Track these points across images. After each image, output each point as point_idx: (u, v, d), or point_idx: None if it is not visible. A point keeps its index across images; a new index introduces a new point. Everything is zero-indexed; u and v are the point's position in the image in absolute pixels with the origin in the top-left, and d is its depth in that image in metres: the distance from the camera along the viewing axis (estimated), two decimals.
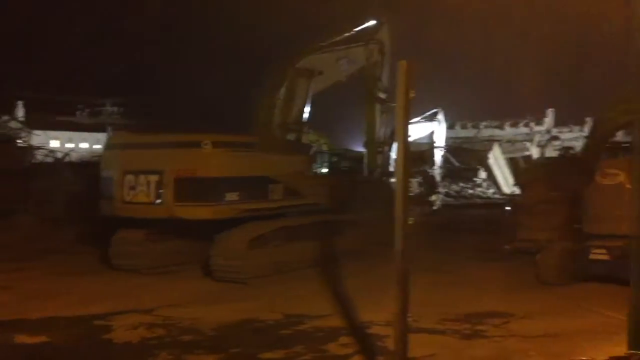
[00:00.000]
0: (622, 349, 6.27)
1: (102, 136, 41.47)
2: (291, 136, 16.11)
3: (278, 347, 8.15)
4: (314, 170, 16.52)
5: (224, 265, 12.44)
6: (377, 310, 8.96)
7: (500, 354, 7.91)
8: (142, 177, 12.99)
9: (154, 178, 12.81)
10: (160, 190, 12.71)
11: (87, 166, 22.94)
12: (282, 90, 16.04)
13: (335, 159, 18.60)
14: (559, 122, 39.04)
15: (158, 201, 12.77)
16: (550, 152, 35.03)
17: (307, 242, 13.99)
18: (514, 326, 9.19)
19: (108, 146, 15.08)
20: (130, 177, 13.14)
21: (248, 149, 13.66)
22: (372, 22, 18.61)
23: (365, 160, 19.04)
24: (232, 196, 12.98)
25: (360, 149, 20.36)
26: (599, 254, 11.92)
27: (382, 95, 18.70)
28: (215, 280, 12.51)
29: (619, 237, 10.65)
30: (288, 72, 16.24)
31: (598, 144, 14.40)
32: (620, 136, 16.39)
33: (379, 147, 18.95)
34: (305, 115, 16.62)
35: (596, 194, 12.34)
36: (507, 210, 19.42)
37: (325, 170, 17.70)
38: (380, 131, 18.95)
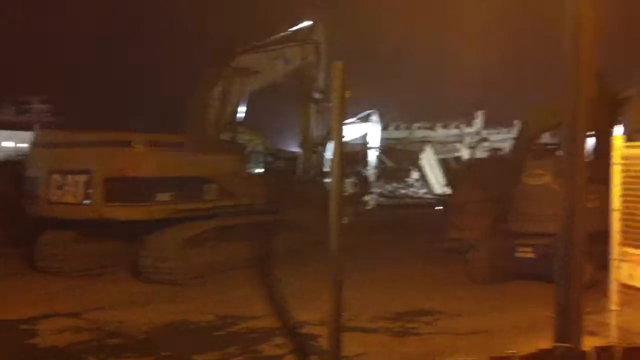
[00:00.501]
0: (548, 343, 6.48)
1: (28, 135, 39.90)
2: (225, 136, 15.93)
3: (211, 349, 8.04)
4: (249, 171, 16.39)
5: (154, 266, 12.19)
6: (311, 310, 8.98)
7: (431, 351, 8.04)
8: (69, 177, 12.56)
9: (82, 178, 12.41)
10: (89, 191, 12.32)
11: (12, 165, 22.00)
12: (217, 90, 15.85)
13: (270, 159, 18.49)
14: (488, 124, 40.08)
15: (86, 202, 12.38)
16: (480, 153, 35.91)
17: (241, 243, 13.87)
18: (445, 323, 9.38)
19: (34, 144, 14.49)
20: (56, 177, 12.69)
21: (180, 148, 13.42)
22: (307, 23, 18.64)
23: (300, 161, 19.03)
24: (164, 197, 12.73)
25: (296, 149, 20.35)
26: (525, 252, 12.30)
27: (317, 96, 18.75)
28: (145, 281, 12.23)
29: (544, 235, 11.04)
30: (223, 72, 16.06)
31: (525, 145, 14.87)
32: (546, 138, 17.00)
33: (314, 148, 18.98)
34: (240, 115, 16.48)
35: (523, 194, 12.73)
36: (439, 210, 19.80)
37: (260, 170, 17.59)
38: (316, 131, 18.99)
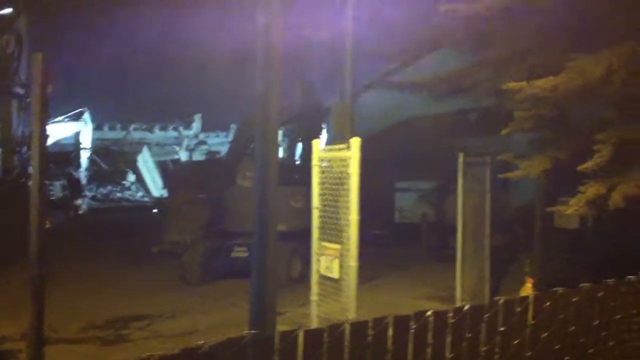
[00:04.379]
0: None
1: None
2: None
3: None
4: None
5: None
6: (10, 323, 8.15)
7: None
8: None
9: None
10: None
11: None
12: None
13: None
14: (206, 128, 40.69)
15: None
16: (198, 156, 36.31)
17: None
18: (159, 327, 9.26)
19: None
20: None
21: None
22: (7, 10, 16.95)
23: (0, 161, 17.23)
24: None
25: None
26: (240, 252, 12.74)
27: (19, 91, 17.14)
28: None
29: None
30: None
31: (241, 148, 15.44)
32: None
33: (16, 147, 17.32)
34: None
35: (237, 195, 13.20)
36: (156, 212, 19.53)
37: None
38: (18, 130, 17.35)
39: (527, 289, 9.16)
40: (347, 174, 5.82)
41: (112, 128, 38.07)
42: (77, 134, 25.56)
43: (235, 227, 13.12)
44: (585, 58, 7.80)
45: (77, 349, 8.09)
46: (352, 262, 5.79)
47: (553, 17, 8.59)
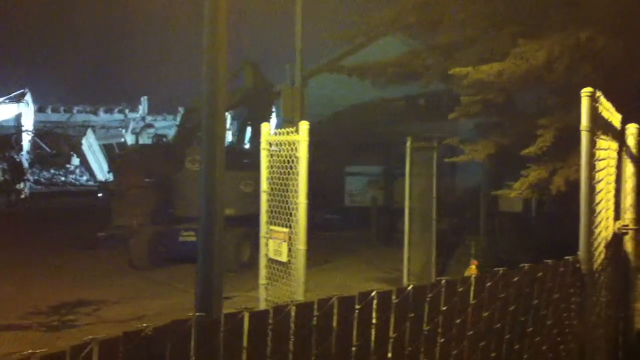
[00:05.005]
0: None
1: None
2: None
3: None
4: None
5: None
6: None
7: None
8: None
9: None
10: None
11: None
12: None
13: None
14: (153, 110, 40.01)
15: None
16: (145, 140, 35.69)
17: None
18: (106, 313, 9.14)
19: None
20: None
21: None
22: None
23: None
24: None
25: None
26: (189, 236, 12.62)
27: None
28: None
29: None
30: None
31: (189, 132, 15.22)
32: None
33: None
34: None
35: (185, 179, 13.05)
36: (101, 197, 19.14)
37: None
38: None
39: (472, 271, 9.38)
40: (296, 157, 5.82)
41: (55, 110, 37.07)
42: (19, 116, 24.78)
43: (184, 211, 13.00)
44: (529, 44, 7.98)
45: (20, 336, 7.91)
46: (301, 245, 5.80)
47: (503, 3, 8.75)
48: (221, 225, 5.78)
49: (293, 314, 2.24)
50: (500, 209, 13.82)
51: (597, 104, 3.85)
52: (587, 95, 3.61)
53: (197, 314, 1.97)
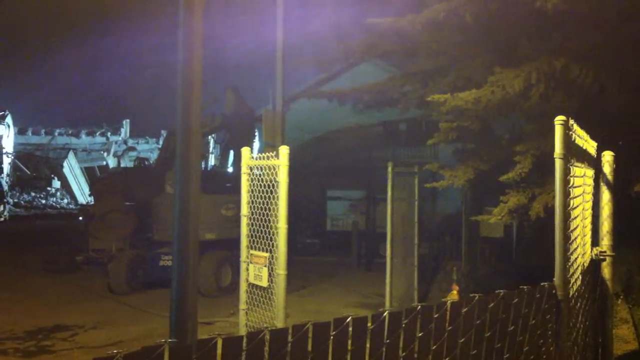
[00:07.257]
0: None
1: None
2: None
3: None
4: None
5: None
6: None
7: None
8: None
9: None
10: None
11: None
12: None
13: None
14: (136, 133, 39.86)
15: None
16: (127, 163, 35.50)
17: None
18: (82, 338, 9.01)
19: None
20: None
21: None
22: None
23: None
24: None
25: None
26: (168, 260, 12.51)
27: None
28: None
29: None
30: None
31: (170, 156, 15.17)
32: None
33: None
34: None
35: (165, 203, 12.96)
36: (80, 220, 18.95)
37: None
38: None
39: (453, 296, 9.39)
40: (277, 181, 5.83)
41: (35, 132, 36.75)
42: None
43: (163, 235, 12.90)
44: (506, 72, 8.10)
45: None
46: (281, 270, 5.77)
47: (475, 32, 8.89)
48: (195, 249, 5.75)
49: (267, 339, 2.23)
50: (482, 234, 13.88)
51: (571, 132, 3.91)
52: (561, 124, 3.66)
53: (170, 340, 1.96)
